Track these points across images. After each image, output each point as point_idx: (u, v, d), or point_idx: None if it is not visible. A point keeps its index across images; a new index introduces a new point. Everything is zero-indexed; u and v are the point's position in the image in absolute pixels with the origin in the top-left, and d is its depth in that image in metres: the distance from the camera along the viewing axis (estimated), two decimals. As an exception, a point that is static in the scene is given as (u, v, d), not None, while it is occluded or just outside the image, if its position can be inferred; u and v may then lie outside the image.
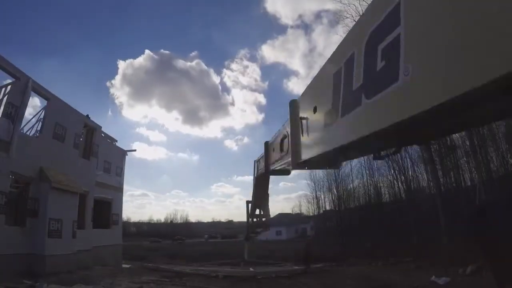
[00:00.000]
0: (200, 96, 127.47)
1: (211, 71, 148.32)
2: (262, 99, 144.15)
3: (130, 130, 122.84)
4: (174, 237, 52.41)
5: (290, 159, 2.98)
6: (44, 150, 11.11)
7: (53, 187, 10.78)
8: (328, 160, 2.54)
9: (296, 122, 2.76)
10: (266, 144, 4.18)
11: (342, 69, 1.88)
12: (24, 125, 11.38)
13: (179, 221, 77.56)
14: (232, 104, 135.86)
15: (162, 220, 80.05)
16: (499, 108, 1.35)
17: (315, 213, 46.07)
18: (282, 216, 57.66)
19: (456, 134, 23.97)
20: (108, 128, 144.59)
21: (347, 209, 37.54)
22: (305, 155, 2.60)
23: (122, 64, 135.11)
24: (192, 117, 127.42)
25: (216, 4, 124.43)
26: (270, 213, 6.80)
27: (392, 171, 30.33)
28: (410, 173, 28.57)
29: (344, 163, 2.64)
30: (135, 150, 22.14)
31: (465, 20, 1.02)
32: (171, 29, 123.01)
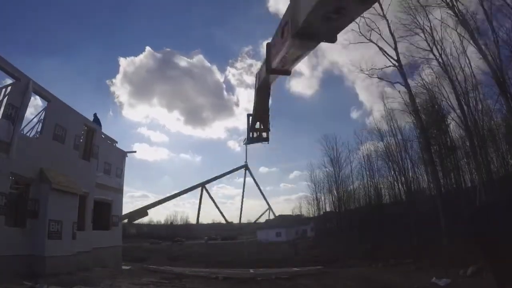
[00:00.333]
0: (203, 95, 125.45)
1: (215, 68, 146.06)
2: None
3: (131, 130, 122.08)
4: (174, 238, 52.17)
5: (289, 42, 3.12)
6: (44, 151, 11.10)
7: (53, 188, 10.76)
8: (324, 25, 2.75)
9: None
10: (268, 45, 4.20)
11: None
12: (25, 126, 11.39)
13: (179, 223, 77.14)
14: (237, 104, 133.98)
15: (162, 222, 79.43)
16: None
17: (315, 215, 46.26)
18: (282, 218, 57.67)
19: (456, 135, 24.11)
20: (109, 128, 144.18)
21: (347, 211, 37.58)
22: (302, 16, 2.78)
23: (123, 62, 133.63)
24: (194, 117, 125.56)
25: (218, 2, 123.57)
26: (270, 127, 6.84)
27: (393, 172, 30.43)
28: (410, 174, 28.75)
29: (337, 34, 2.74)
30: (135, 152, 22.15)
31: None
32: (172, 27, 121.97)
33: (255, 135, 6.93)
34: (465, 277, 11.17)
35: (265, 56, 4.38)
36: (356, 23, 21.93)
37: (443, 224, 19.82)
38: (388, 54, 23.77)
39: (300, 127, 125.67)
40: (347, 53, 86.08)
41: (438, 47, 21.84)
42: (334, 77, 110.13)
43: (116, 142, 18.64)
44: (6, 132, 9.22)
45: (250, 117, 6.80)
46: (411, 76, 25.12)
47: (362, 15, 15.09)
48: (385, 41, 23.82)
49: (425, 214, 23.68)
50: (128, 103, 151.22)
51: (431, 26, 21.93)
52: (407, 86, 23.52)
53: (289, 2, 3.15)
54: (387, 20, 23.38)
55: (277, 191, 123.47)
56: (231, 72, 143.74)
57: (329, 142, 40.94)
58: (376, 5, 18.32)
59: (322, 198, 44.29)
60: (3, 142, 9.09)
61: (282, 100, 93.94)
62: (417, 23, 22.17)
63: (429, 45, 22.11)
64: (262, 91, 5.93)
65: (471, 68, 20.84)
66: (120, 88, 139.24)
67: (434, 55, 22.13)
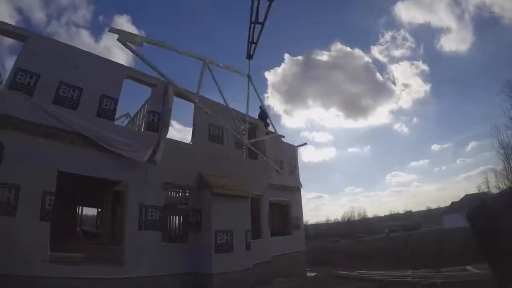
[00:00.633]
0: (355, 83, 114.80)
1: (358, 52, 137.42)
2: (423, 66, 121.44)
3: (294, 137, 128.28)
4: (353, 235, 50.22)
5: None
6: (200, 155, 10.18)
7: (216, 193, 9.49)
8: None
9: None
10: None
11: None
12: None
13: (356, 218, 76.42)
14: (393, 82, 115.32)
15: (339, 219, 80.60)
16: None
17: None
18: (471, 197, 41.25)
19: None
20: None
21: None
22: None
23: (268, 75, 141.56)
24: (352, 109, 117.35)
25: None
26: None
27: None
28: None
29: None
30: (305, 144, 19.74)
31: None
32: (305, 25, 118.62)
33: None
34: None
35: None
36: None
37: None
38: None
39: (465, 90, 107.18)
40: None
41: None
42: (487, 21, 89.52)
43: (283, 137, 16.83)
44: (148, 140, 8.62)
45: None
46: None
47: None
48: None
49: None
50: (284, 112, 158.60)
51: None
52: None
53: None
54: None
55: (454, 169, 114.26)
56: (376, 50, 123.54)
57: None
58: None
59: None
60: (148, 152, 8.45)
61: (436, 63, 75.48)
62: None
63: None
64: None
65: None
66: (273, 100, 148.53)
67: None
